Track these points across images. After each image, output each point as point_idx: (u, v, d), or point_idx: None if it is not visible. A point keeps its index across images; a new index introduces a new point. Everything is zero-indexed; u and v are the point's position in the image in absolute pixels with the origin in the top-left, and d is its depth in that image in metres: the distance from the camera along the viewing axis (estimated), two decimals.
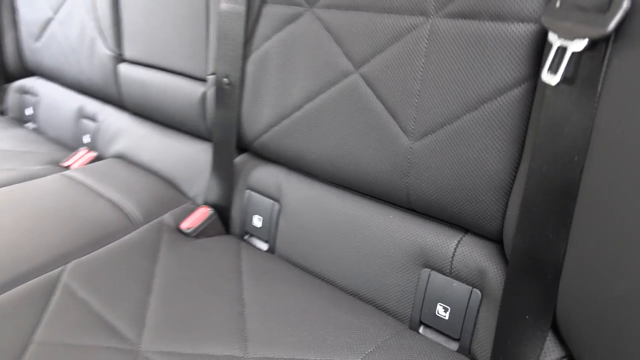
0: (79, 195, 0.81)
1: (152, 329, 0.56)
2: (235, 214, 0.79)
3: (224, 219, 0.80)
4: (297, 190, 0.71)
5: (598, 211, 0.38)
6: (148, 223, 0.76)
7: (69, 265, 0.64)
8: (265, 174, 0.76)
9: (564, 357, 0.44)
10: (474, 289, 0.54)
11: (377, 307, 0.62)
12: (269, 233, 0.74)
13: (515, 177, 0.50)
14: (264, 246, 0.76)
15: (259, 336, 0.55)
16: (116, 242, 0.70)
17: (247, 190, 0.77)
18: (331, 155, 0.65)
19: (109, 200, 0.80)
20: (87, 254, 0.67)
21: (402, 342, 0.55)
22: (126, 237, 0.72)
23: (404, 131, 0.57)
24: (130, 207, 0.80)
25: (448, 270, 0.57)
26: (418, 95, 0.55)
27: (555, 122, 0.41)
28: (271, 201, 0.74)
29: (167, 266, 0.67)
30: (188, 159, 0.87)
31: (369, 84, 0.59)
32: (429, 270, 0.58)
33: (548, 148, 0.42)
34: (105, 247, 0.69)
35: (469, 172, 0.53)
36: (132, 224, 0.77)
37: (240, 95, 0.74)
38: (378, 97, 0.59)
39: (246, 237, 0.78)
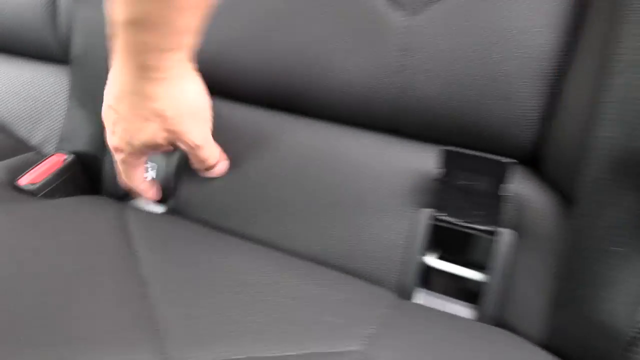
0: None
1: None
2: (109, 164, 0.53)
3: (92, 172, 0.53)
4: (217, 121, 0.48)
5: None
6: None
7: None
8: None
9: None
10: (504, 230, 0.38)
11: (351, 274, 0.42)
12: (168, 188, 0.50)
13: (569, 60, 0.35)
14: (158, 209, 0.51)
15: (184, 332, 0.31)
16: None
17: None
18: (276, 68, 0.44)
19: None
20: None
21: (411, 315, 0.36)
22: None
23: (394, 4, 0.38)
24: None
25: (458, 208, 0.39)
26: None
27: None
28: None
29: (3, 240, 0.39)
30: (25, 89, 0.58)
31: None
32: (430, 210, 0.40)
33: None
34: None
35: (497, 55, 0.36)
36: None
37: None
38: None
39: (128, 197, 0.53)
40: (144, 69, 0.35)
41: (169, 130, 0.40)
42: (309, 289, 0.37)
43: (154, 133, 0.39)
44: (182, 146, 0.42)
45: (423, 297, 0.41)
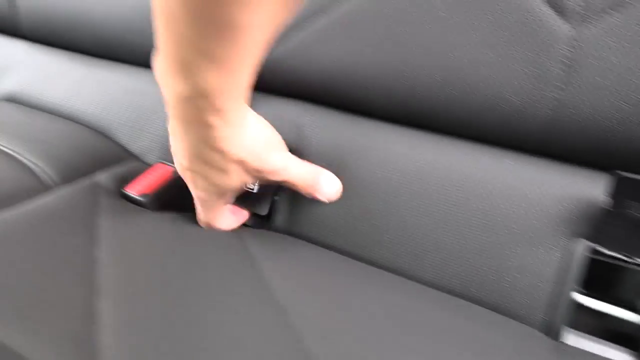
0: None
1: None
2: None
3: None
4: (333, 134, 0.45)
5: None
6: (68, 183, 0.45)
7: None
8: (273, 110, 0.48)
9: None
10: None
11: (490, 308, 0.38)
12: (272, 203, 0.47)
13: None
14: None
15: None
16: (21, 208, 0.39)
17: None
18: (410, 80, 0.41)
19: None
20: None
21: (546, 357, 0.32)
22: (38, 202, 0.41)
23: (559, 12, 0.35)
24: (36, 161, 0.48)
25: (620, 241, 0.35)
26: None
27: None
28: None
29: (122, 251, 0.37)
30: (128, 96, 0.57)
31: None
32: (587, 241, 0.36)
33: None
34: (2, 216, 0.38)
35: None
36: (42, 185, 0.46)
37: None
38: None
39: None
40: (206, 135, 0.33)
41: (252, 170, 0.38)
42: (467, 326, 0.33)
43: (239, 178, 0.38)
44: (271, 178, 0.40)
45: (573, 339, 0.37)
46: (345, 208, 0.43)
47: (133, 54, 0.57)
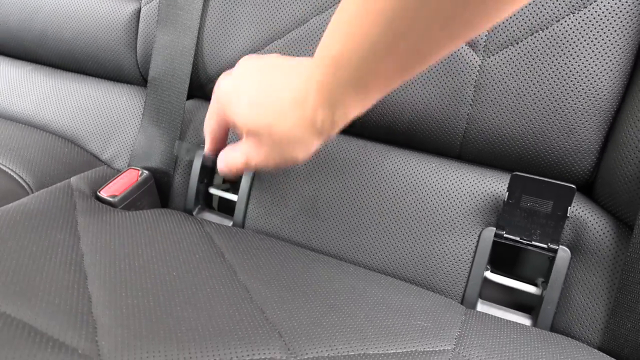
0: None
1: (111, 333, 0.32)
2: (179, 180, 0.57)
3: (162, 187, 0.57)
4: None
5: None
6: (46, 188, 0.50)
7: None
8: None
9: None
10: (563, 247, 0.42)
11: (420, 286, 0.46)
12: (237, 204, 0.54)
13: (622, 98, 0.40)
14: (228, 222, 0.55)
15: (298, 332, 0.35)
16: (3, 208, 0.43)
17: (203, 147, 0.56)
18: None
19: None
20: None
21: (483, 321, 0.40)
22: (21, 202, 0.45)
23: (471, 47, 0.44)
24: (13, 167, 0.52)
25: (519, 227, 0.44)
26: None
27: None
28: None
29: (99, 242, 0.42)
30: (97, 107, 0.61)
31: None
32: (494, 228, 0.44)
33: None
34: None
35: (563, 93, 0.41)
36: (21, 190, 0.50)
37: (203, 7, 0.54)
38: None
39: (196, 211, 0.56)
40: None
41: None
42: (395, 297, 0.41)
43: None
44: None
45: (485, 307, 0.46)
46: (301, 205, 0.50)
47: (100, 67, 0.62)
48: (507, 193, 0.42)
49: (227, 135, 0.42)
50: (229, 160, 0.38)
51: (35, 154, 0.55)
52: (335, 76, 0.29)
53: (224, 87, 0.37)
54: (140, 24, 0.58)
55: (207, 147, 0.42)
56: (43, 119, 0.62)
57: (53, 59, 0.65)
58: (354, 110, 0.31)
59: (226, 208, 0.59)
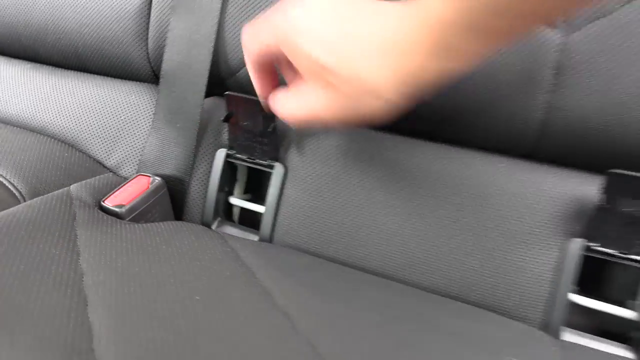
0: None
1: None
2: (196, 189, 0.49)
3: (174, 197, 0.49)
4: (321, 144, 0.45)
5: None
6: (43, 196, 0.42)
7: None
8: None
9: None
10: None
11: (490, 309, 0.38)
12: (265, 216, 0.46)
13: None
14: (252, 237, 0.47)
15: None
16: None
17: (221, 151, 0.48)
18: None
19: None
20: None
21: (580, 356, 0.32)
22: (9, 211, 0.37)
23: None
24: (4, 172, 0.44)
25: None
26: None
27: None
28: (267, 162, 0.46)
29: (103, 260, 0.35)
30: (102, 107, 0.54)
31: None
32: (582, 240, 0.36)
33: None
34: None
35: None
36: (12, 198, 0.42)
37: None
38: None
39: (215, 225, 0.49)
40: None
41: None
42: (471, 327, 0.33)
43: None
44: None
45: (572, 337, 0.37)
46: (336, 217, 0.42)
47: (106, 63, 0.55)
48: (604, 196, 0.35)
49: (277, 76, 0.35)
50: (287, 109, 0.32)
51: (30, 159, 0.47)
52: (460, 12, 0.23)
53: (294, 14, 0.29)
54: (152, 11, 0.51)
55: (259, 91, 0.35)
56: (41, 121, 0.54)
57: (53, 55, 0.58)
58: (462, 63, 0.26)
59: (249, 221, 0.51)
